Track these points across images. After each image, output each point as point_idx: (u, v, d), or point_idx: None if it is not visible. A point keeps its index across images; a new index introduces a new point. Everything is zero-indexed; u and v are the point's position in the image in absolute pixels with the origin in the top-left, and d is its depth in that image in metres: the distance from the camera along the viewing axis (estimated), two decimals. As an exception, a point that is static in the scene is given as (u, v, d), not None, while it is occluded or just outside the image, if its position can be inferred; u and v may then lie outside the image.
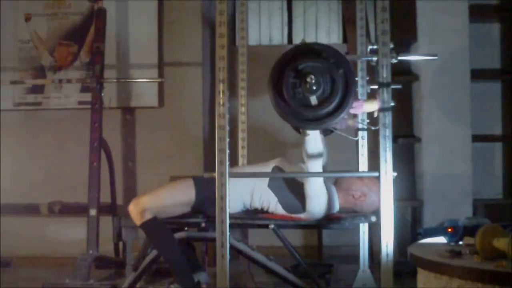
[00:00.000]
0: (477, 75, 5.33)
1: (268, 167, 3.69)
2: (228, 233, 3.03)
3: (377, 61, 3.07)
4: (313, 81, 2.96)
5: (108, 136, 5.13)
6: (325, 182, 3.63)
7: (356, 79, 3.58)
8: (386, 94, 3.02)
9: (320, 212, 3.56)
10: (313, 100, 3.00)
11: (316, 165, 3.44)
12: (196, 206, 3.62)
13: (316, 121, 3.07)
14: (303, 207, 3.57)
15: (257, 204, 3.68)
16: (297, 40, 6.26)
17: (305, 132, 3.37)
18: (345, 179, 3.73)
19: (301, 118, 3.06)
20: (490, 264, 2.59)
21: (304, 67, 3.00)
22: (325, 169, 3.58)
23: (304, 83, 2.98)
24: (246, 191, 3.64)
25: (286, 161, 3.75)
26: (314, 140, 3.40)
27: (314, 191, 3.50)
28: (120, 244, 5.12)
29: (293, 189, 3.60)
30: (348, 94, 3.02)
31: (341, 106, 3.03)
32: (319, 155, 3.43)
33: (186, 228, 3.70)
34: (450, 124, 5.09)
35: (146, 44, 5.64)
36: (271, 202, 3.64)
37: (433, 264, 2.76)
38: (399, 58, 3.23)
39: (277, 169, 3.67)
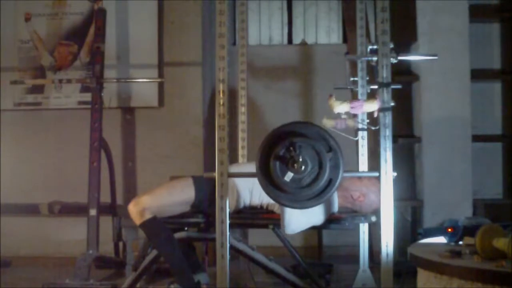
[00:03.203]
0: (477, 75, 5.33)
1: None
2: (228, 233, 3.03)
3: (377, 61, 3.07)
4: (301, 167, 2.89)
5: (108, 136, 5.13)
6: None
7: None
8: (386, 94, 3.02)
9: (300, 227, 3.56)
10: (288, 176, 2.92)
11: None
12: (196, 205, 3.62)
13: (291, 201, 3.00)
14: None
15: (256, 202, 3.68)
16: (297, 40, 6.27)
17: None
18: (344, 179, 3.73)
19: (277, 193, 2.98)
20: (490, 264, 2.59)
21: (301, 146, 2.92)
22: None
23: (291, 159, 2.90)
24: (245, 188, 3.65)
25: None
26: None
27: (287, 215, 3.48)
28: (120, 244, 5.12)
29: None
30: (327, 189, 2.97)
31: (317, 196, 2.96)
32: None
33: (186, 228, 3.71)
34: (450, 124, 5.09)
35: (146, 44, 5.64)
36: (271, 200, 3.63)
37: (433, 264, 2.75)
38: (399, 58, 3.22)
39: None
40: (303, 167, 2.91)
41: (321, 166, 2.94)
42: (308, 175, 2.92)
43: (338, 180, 2.98)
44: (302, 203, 2.99)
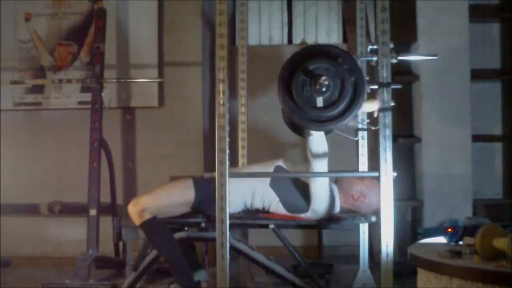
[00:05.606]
0: (477, 75, 5.33)
1: (270, 167, 3.69)
2: (228, 233, 3.03)
3: (377, 61, 3.08)
4: (324, 83, 2.97)
5: (108, 136, 5.13)
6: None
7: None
8: (386, 94, 3.02)
9: (323, 211, 3.56)
10: (320, 101, 3.00)
11: (321, 165, 3.44)
12: (196, 206, 3.62)
13: (319, 123, 3.08)
14: (305, 207, 3.57)
15: (258, 204, 3.67)
16: (297, 40, 6.26)
17: (308, 132, 3.37)
18: (345, 179, 3.73)
19: (305, 117, 3.06)
20: (490, 264, 2.59)
21: (316, 68, 3.00)
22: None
23: (314, 83, 2.99)
24: (247, 191, 3.64)
25: (289, 161, 3.75)
26: (318, 139, 3.40)
27: (320, 190, 3.50)
28: (120, 244, 5.12)
29: (295, 188, 3.60)
30: (355, 101, 3.03)
31: (346, 112, 3.04)
32: (323, 155, 3.43)
33: (186, 228, 3.71)
34: (450, 124, 5.09)
35: (146, 44, 5.64)
36: (273, 202, 3.63)
37: (433, 264, 2.75)
38: (399, 58, 3.23)
39: (280, 168, 3.67)
40: (324, 88, 2.97)
41: (342, 89, 3.00)
42: (329, 97, 3.01)
43: (357, 109, 3.05)
44: (317, 124, 3.08)
